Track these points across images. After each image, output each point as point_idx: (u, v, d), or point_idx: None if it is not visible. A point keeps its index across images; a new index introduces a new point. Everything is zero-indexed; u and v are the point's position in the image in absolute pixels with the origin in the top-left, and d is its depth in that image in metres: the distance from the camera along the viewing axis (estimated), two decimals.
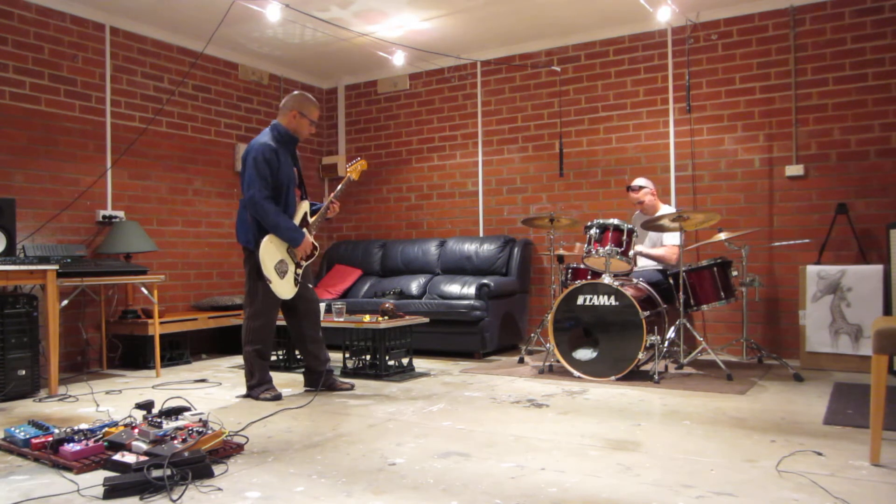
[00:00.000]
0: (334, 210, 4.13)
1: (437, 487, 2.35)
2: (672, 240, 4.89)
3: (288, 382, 4.48)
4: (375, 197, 7.16)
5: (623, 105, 5.90)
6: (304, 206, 4.05)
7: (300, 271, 3.99)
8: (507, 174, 6.43)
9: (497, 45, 6.34)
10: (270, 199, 3.81)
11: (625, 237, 4.51)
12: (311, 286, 4.12)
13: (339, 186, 4.15)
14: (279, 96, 6.92)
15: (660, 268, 5.05)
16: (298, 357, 5.17)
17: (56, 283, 4.17)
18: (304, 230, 3.97)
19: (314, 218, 4.07)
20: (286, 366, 5.10)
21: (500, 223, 6.47)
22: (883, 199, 4.94)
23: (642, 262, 5.15)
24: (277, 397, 3.92)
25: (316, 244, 4.05)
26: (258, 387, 3.96)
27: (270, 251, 3.83)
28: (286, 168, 3.90)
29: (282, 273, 3.87)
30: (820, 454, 2.68)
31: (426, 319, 4.96)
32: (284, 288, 3.89)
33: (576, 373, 4.41)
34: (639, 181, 5.11)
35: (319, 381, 4.11)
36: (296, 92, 4.05)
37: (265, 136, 3.90)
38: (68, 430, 2.84)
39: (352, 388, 4.17)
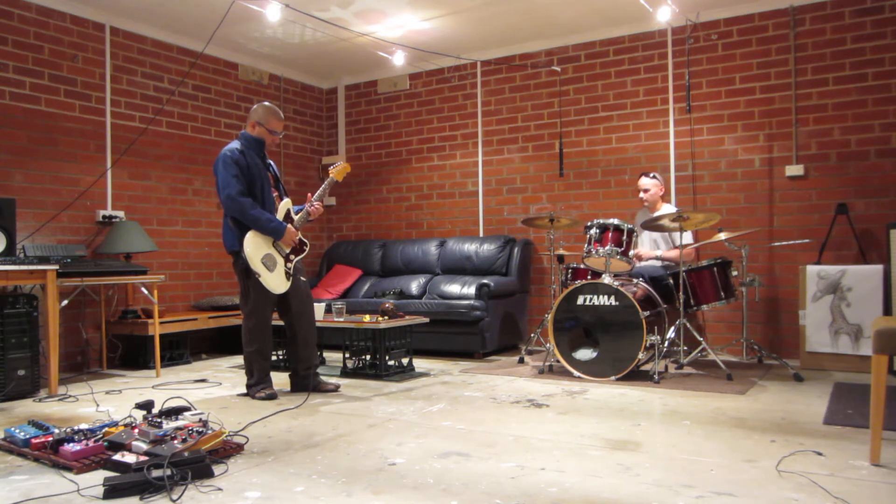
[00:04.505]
0: (316, 212, 4.10)
1: (437, 487, 2.35)
2: (686, 240, 4.89)
3: (287, 382, 4.48)
4: (375, 197, 7.16)
5: (623, 105, 5.90)
6: (287, 203, 4.09)
7: (290, 265, 3.99)
8: (507, 174, 6.43)
9: (497, 45, 6.34)
10: (246, 195, 3.86)
11: (625, 237, 4.51)
12: (303, 280, 4.09)
13: (322, 187, 4.14)
14: (279, 96, 6.92)
15: (661, 264, 5.06)
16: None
17: (56, 283, 4.17)
18: (288, 224, 3.99)
19: (298, 216, 4.08)
20: (286, 365, 5.09)
21: (500, 223, 6.47)
22: (883, 199, 4.94)
23: (649, 261, 5.16)
24: (272, 397, 3.93)
25: (304, 239, 4.07)
26: (255, 386, 3.99)
27: (256, 245, 3.85)
28: (255, 169, 3.94)
29: (270, 267, 3.88)
30: (820, 454, 2.68)
31: (426, 319, 4.96)
32: (276, 281, 3.90)
33: (576, 373, 4.41)
34: (655, 174, 5.14)
35: (304, 385, 4.10)
36: (259, 104, 4.07)
37: (232, 144, 3.98)
38: (68, 430, 2.84)
39: (336, 389, 4.16)
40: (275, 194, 4.06)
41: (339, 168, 4.23)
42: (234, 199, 3.82)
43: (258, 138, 4.01)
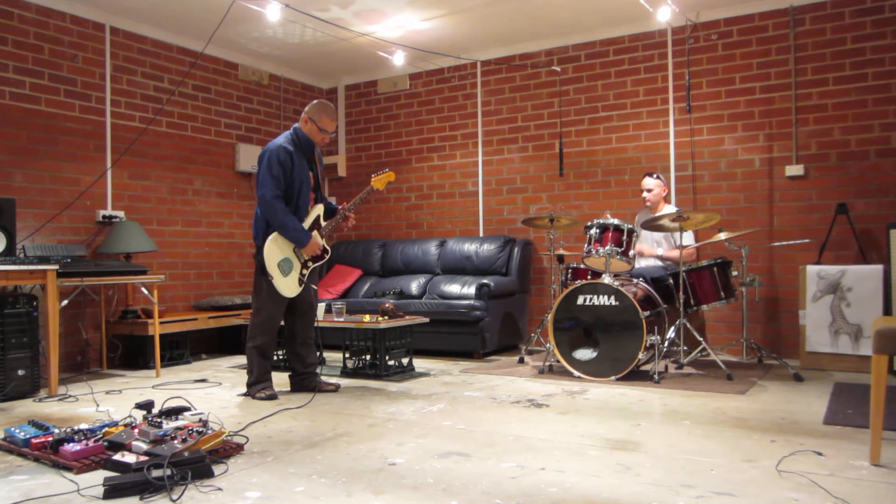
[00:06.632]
0: (348, 223, 4.15)
1: (437, 487, 2.35)
2: (687, 240, 4.89)
3: (287, 382, 4.48)
4: (375, 197, 7.15)
5: (623, 105, 5.90)
6: (318, 209, 4.07)
7: (306, 272, 4.00)
8: (507, 174, 6.43)
9: (497, 45, 6.34)
10: (280, 198, 3.85)
11: (625, 237, 4.51)
12: (314, 288, 4.12)
13: (360, 196, 4.14)
14: (279, 96, 6.92)
15: (662, 264, 5.06)
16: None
17: (56, 283, 4.17)
18: (314, 232, 3.98)
19: (327, 223, 4.08)
20: (286, 365, 5.09)
21: (500, 223, 6.47)
22: (883, 199, 4.94)
23: (649, 261, 5.16)
24: (272, 397, 3.93)
25: (327, 247, 4.06)
26: (255, 385, 3.99)
27: (274, 249, 3.87)
28: (300, 171, 3.93)
29: (285, 271, 3.90)
30: (820, 454, 2.68)
31: (426, 319, 4.96)
32: (287, 286, 3.91)
33: (576, 373, 4.41)
34: (659, 174, 5.16)
35: (304, 384, 4.11)
36: (316, 100, 4.07)
37: (283, 139, 3.95)
38: (68, 430, 2.84)
39: (336, 389, 4.16)
40: (311, 196, 4.06)
41: (381, 176, 4.17)
42: (268, 201, 3.82)
43: (308, 137, 3.98)
